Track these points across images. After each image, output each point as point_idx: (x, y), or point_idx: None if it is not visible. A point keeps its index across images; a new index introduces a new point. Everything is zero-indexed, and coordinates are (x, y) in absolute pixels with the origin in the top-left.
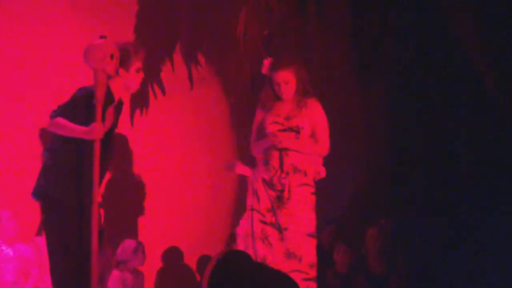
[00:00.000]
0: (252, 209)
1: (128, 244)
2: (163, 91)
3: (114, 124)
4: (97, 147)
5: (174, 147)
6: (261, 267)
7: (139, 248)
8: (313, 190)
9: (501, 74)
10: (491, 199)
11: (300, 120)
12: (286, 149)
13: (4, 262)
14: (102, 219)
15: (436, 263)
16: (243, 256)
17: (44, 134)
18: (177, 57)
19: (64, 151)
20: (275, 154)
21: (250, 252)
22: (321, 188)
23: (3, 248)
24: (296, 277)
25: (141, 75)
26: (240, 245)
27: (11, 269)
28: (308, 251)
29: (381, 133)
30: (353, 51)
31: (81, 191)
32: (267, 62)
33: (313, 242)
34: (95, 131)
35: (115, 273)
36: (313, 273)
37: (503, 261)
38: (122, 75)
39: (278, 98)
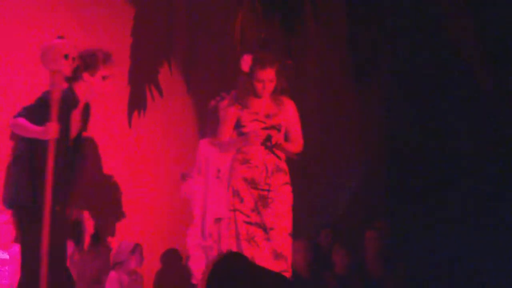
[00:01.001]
0: (234, 210)
1: (125, 245)
2: (161, 93)
3: (82, 128)
4: (51, 147)
5: (172, 147)
6: (259, 268)
7: (137, 249)
8: (291, 189)
9: (498, 77)
10: (489, 200)
11: (280, 118)
12: (273, 148)
13: (0, 266)
14: (93, 222)
15: (435, 265)
16: (241, 258)
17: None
18: (175, 60)
19: (26, 154)
20: (259, 152)
21: None
22: (318, 191)
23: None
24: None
25: (108, 83)
26: (223, 247)
27: (7, 272)
28: (290, 250)
29: (377, 135)
30: (350, 53)
31: (41, 193)
32: (248, 58)
33: (290, 242)
34: (50, 131)
35: (112, 275)
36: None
37: (502, 262)
38: (86, 79)
39: (254, 95)
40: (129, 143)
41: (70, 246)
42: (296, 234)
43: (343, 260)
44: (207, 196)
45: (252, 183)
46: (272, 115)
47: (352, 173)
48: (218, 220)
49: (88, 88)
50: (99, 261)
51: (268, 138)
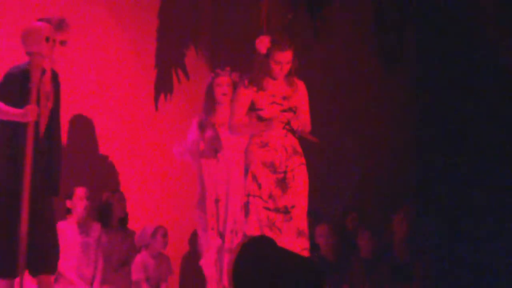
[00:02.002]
0: (254, 196)
1: (147, 228)
2: (187, 76)
3: (56, 105)
4: (30, 130)
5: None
6: (285, 252)
7: (158, 232)
8: (306, 169)
9: None
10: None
11: (295, 100)
12: (294, 131)
13: None
14: (122, 205)
15: (460, 250)
16: (267, 241)
17: None
18: (202, 43)
19: (4, 136)
20: (277, 135)
21: None
22: (344, 173)
23: None
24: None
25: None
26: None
27: None
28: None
29: (404, 120)
30: (376, 38)
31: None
32: (265, 39)
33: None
34: (30, 113)
35: (137, 258)
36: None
37: None
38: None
39: (270, 77)
40: (156, 126)
41: (97, 228)
42: (321, 217)
43: (368, 244)
44: (205, 177)
45: (271, 167)
46: (288, 97)
47: (378, 157)
48: (217, 201)
49: (48, 54)
50: (126, 244)
51: (289, 122)
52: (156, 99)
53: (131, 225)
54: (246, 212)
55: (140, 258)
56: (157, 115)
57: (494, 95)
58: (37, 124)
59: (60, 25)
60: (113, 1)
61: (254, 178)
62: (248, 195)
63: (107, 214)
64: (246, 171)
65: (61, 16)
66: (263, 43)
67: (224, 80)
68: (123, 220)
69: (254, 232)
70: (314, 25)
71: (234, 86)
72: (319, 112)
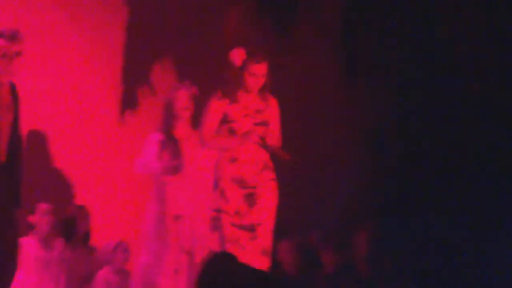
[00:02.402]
0: (219, 211)
1: (108, 244)
2: (152, 90)
3: (16, 117)
4: None
5: None
6: (248, 268)
7: (119, 247)
8: (277, 185)
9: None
10: (475, 200)
11: (267, 114)
12: (267, 146)
13: None
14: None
15: (423, 265)
16: (230, 258)
17: None
18: (168, 58)
19: None
20: (248, 149)
21: None
22: (308, 191)
23: None
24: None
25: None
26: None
27: None
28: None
29: (366, 136)
30: (341, 53)
31: None
32: (241, 51)
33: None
34: None
35: (98, 274)
36: None
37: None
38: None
39: (244, 90)
40: (121, 140)
41: (60, 244)
42: (285, 233)
43: (331, 260)
44: (166, 193)
45: (240, 182)
46: (261, 110)
47: (342, 173)
48: (177, 217)
49: (4, 67)
50: (90, 260)
51: (263, 137)
52: (122, 113)
53: (95, 240)
54: (213, 228)
55: (102, 274)
56: (122, 129)
57: (458, 111)
58: None
59: (14, 36)
60: (77, 14)
61: (222, 193)
62: (216, 210)
63: (71, 229)
64: (215, 185)
65: (14, 28)
66: (238, 55)
67: (184, 94)
68: (87, 236)
69: (219, 248)
70: (281, 39)
71: (194, 100)
72: (282, 127)
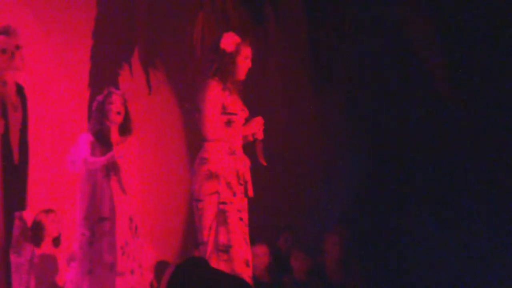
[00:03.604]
0: (229, 203)
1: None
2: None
3: (24, 118)
4: None
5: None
6: (218, 273)
7: None
8: None
9: (455, 80)
10: (444, 205)
11: (247, 111)
12: (259, 142)
13: None
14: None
15: (393, 270)
16: (201, 262)
17: None
18: (135, 62)
19: None
20: (240, 144)
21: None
22: (278, 194)
23: None
24: None
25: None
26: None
27: None
28: None
29: (338, 139)
30: (310, 58)
31: None
32: (232, 36)
33: None
34: None
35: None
36: None
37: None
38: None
39: (237, 77)
40: None
41: (29, 249)
42: (256, 238)
43: (302, 265)
44: (90, 194)
45: (237, 177)
46: (243, 104)
47: (313, 177)
48: (101, 219)
49: (5, 63)
50: (57, 265)
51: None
52: (89, 119)
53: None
54: (223, 220)
55: (70, 277)
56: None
57: (429, 114)
58: (4, 137)
59: (8, 31)
60: (47, 18)
61: (229, 185)
62: (223, 203)
63: (40, 234)
64: (215, 176)
65: (5, 24)
66: (232, 40)
67: (118, 99)
68: (56, 241)
69: (225, 240)
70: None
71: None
72: None
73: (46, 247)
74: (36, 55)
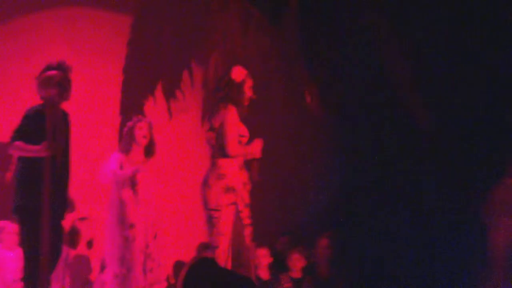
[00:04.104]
0: (241, 212)
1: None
2: None
3: (67, 141)
4: (47, 163)
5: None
6: (226, 272)
7: None
8: None
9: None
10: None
11: None
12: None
13: (5, 263)
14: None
15: (376, 269)
16: (211, 262)
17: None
18: (159, 94)
19: (26, 168)
20: (243, 161)
21: None
22: (276, 203)
23: (4, 251)
24: None
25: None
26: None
27: (12, 269)
28: None
29: (332, 149)
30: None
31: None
32: (242, 69)
33: None
34: (46, 149)
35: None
36: None
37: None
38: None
39: (243, 105)
40: None
41: (65, 250)
42: (258, 241)
43: (297, 264)
44: (120, 205)
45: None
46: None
47: (305, 190)
48: (132, 226)
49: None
50: (90, 265)
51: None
52: (119, 140)
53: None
54: (241, 227)
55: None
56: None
57: (401, 128)
58: (53, 158)
59: (62, 67)
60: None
61: (242, 197)
62: (240, 212)
63: (76, 238)
64: (231, 189)
65: (62, 60)
66: (240, 72)
67: (145, 125)
68: (89, 244)
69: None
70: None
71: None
72: None
73: (81, 249)
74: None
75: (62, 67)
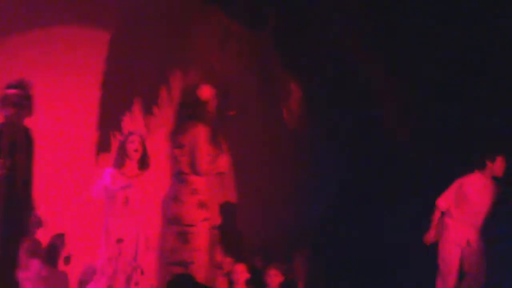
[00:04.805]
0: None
1: (87, 267)
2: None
3: (29, 157)
4: (1, 181)
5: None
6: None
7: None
8: None
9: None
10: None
11: None
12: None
13: None
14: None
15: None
16: (189, 278)
17: None
18: (136, 110)
19: None
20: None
21: None
22: (254, 219)
23: None
24: None
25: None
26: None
27: None
28: None
29: (306, 169)
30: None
31: None
32: (209, 88)
33: None
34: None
35: None
36: None
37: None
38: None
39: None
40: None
41: (36, 264)
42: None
43: (274, 280)
44: (110, 219)
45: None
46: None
47: (285, 200)
48: (120, 241)
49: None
50: (68, 281)
51: None
52: (97, 155)
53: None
54: (216, 242)
55: None
56: (97, 169)
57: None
58: (11, 175)
59: (20, 85)
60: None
61: (213, 212)
62: (214, 227)
63: (54, 254)
64: (205, 206)
65: (20, 78)
66: (208, 91)
67: (136, 139)
68: (67, 260)
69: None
70: None
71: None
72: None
73: (59, 265)
74: (49, 100)
75: (21, 85)
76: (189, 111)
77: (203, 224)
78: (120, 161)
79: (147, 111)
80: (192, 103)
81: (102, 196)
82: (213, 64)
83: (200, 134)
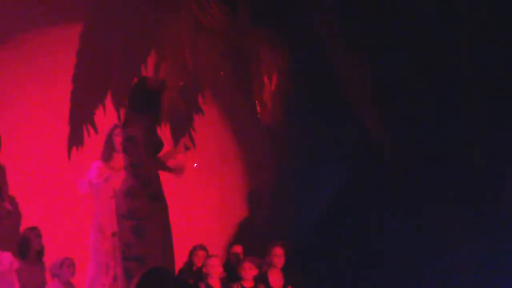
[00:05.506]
0: None
1: (55, 260)
2: (96, 130)
3: None
4: None
5: None
6: (180, 282)
7: (65, 263)
8: None
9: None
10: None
11: None
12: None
13: None
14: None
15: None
16: (165, 271)
17: None
18: (109, 103)
19: None
20: None
21: None
22: (232, 211)
23: None
24: None
25: None
26: None
27: None
28: None
29: (284, 159)
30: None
31: None
32: (158, 78)
33: None
34: None
35: (48, 286)
36: None
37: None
38: None
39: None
40: (68, 172)
41: (8, 257)
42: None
43: (249, 273)
44: (100, 214)
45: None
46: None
47: (261, 194)
48: (114, 234)
49: None
50: (43, 274)
51: None
52: (69, 150)
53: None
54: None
55: (52, 286)
56: (70, 163)
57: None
58: None
59: None
60: (31, 61)
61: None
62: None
63: (26, 247)
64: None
65: None
66: (157, 83)
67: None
68: (40, 253)
69: None
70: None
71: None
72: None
73: (32, 259)
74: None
75: None
76: (137, 103)
77: (158, 217)
78: (107, 154)
79: (120, 104)
80: (141, 94)
81: (87, 190)
82: (186, 57)
83: (145, 124)
